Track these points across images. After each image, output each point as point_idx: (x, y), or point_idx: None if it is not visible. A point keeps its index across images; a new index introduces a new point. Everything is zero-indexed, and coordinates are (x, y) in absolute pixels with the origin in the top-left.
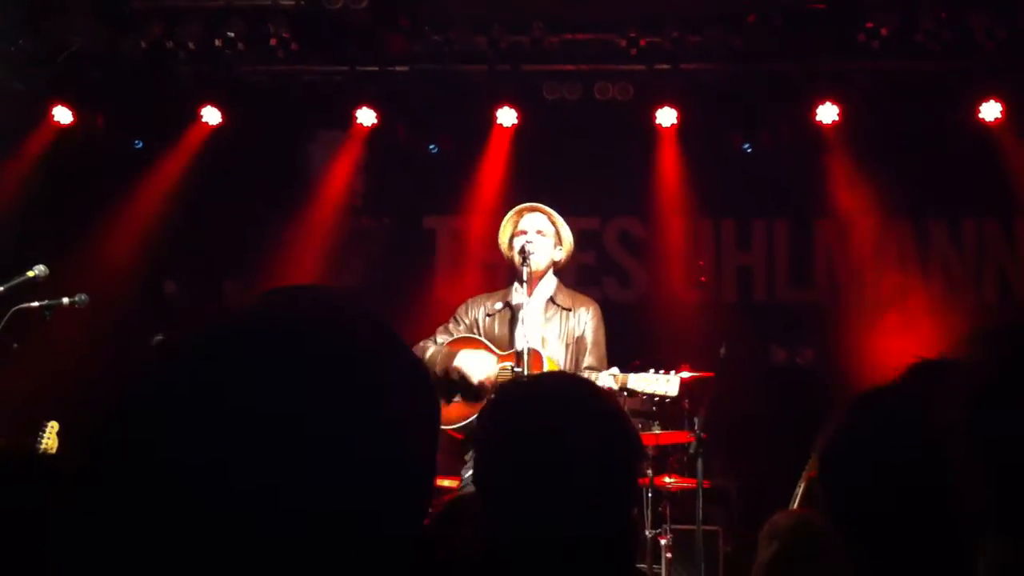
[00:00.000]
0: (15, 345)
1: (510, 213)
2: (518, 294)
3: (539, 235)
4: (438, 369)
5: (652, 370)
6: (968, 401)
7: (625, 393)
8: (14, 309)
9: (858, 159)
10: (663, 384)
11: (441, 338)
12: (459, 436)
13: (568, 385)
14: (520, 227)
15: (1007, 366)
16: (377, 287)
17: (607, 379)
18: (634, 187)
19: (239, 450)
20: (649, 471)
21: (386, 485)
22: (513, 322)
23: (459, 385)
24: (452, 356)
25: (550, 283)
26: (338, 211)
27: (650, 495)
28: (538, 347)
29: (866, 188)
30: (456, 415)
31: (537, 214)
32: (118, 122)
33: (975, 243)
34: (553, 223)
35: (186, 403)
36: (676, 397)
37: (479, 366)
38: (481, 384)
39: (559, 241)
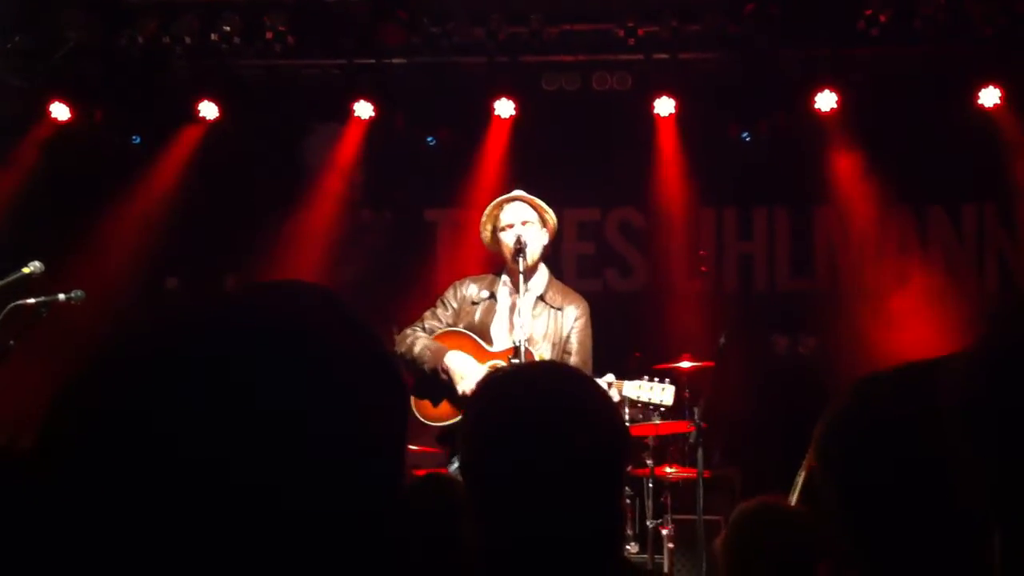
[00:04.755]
0: (11, 342)
1: (490, 206)
2: (504, 286)
3: (525, 225)
4: (427, 367)
5: (647, 377)
6: (970, 385)
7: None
8: (10, 306)
9: (857, 146)
10: (658, 393)
11: (429, 323)
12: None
13: (559, 378)
14: (504, 220)
15: (1009, 348)
16: (378, 280)
17: (602, 386)
18: (634, 177)
19: (236, 447)
20: (650, 461)
21: (361, 484)
22: (491, 313)
23: (447, 386)
24: (441, 353)
25: (541, 277)
26: (338, 204)
27: (651, 485)
28: (528, 346)
29: (866, 175)
30: (445, 413)
31: (517, 203)
32: (116, 118)
33: (975, 229)
34: (535, 208)
35: (182, 400)
36: (671, 406)
37: (467, 371)
38: (464, 395)
39: (544, 224)
